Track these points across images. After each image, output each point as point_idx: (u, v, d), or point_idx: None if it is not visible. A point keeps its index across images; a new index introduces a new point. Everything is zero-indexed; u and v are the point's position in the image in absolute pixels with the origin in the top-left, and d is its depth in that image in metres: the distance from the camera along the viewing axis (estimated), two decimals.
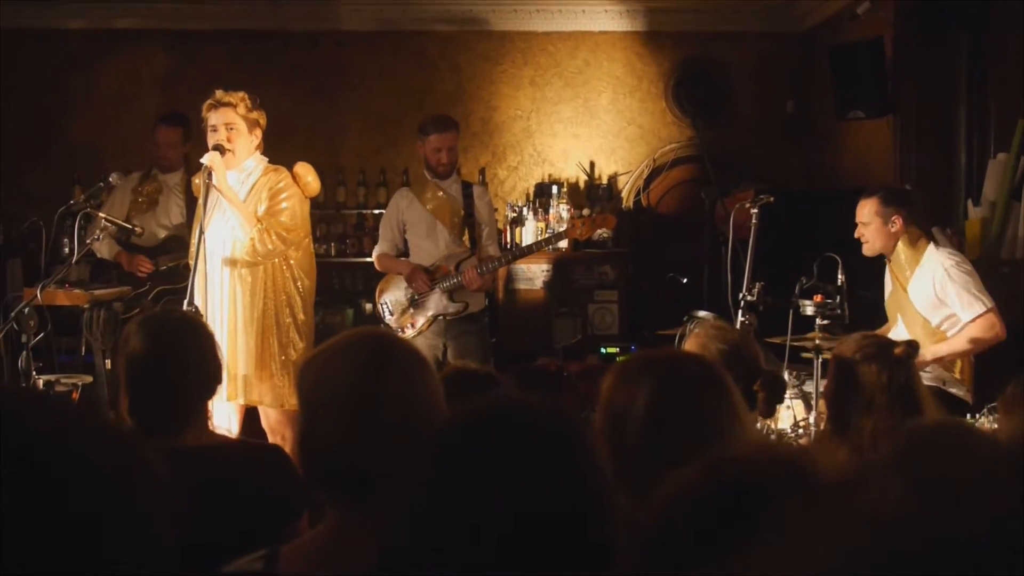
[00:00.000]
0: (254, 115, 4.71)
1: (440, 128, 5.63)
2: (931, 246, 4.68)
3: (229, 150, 4.68)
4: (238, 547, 1.76)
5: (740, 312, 4.63)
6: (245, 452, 2.60)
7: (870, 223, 4.67)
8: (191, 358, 2.61)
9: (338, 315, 7.87)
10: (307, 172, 4.81)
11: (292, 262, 4.76)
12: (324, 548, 1.74)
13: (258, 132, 4.73)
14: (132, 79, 8.15)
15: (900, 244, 4.67)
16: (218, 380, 2.69)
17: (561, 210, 7.73)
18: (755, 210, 4.84)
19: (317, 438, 1.76)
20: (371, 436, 1.72)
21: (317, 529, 1.79)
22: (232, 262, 4.71)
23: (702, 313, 5.06)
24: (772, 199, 4.88)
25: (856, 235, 4.72)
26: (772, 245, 5.16)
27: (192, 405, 2.56)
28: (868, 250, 4.72)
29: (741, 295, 4.67)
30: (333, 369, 1.77)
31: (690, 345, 3.45)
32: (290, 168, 4.87)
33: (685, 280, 6.37)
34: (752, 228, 4.81)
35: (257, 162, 4.77)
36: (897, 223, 4.63)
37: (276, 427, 4.70)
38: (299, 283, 4.78)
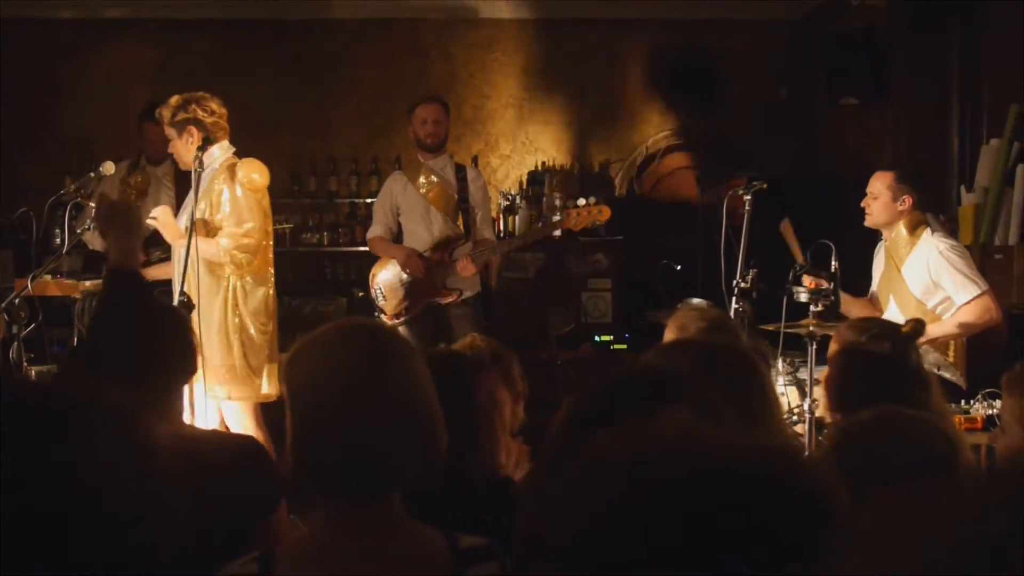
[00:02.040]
0: (181, 116, 4.63)
1: (425, 101, 5.70)
2: (927, 231, 4.69)
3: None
4: (215, 541, 1.71)
5: (734, 299, 4.63)
6: (219, 443, 2.56)
7: (880, 196, 4.70)
8: (154, 344, 2.55)
9: (331, 304, 7.85)
10: (250, 169, 4.68)
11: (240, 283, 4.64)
12: (320, 548, 1.70)
13: (193, 129, 4.62)
14: (123, 69, 8.10)
15: (901, 224, 4.69)
16: (192, 367, 2.63)
17: (554, 198, 7.71)
18: (748, 197, 4.83)
19: (312, 436, 1.70)
20: (369, 433, 1.67)
21: (311, 528, 1.74)
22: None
23: (696, 300, 5.05)
24: (765, 186, 4.87)
25: (863, 204, 4.75)
26: (766, 232, 5.15)
27: (162, 393, 2.49)
28: (870, 221, 4.75)
29: (735, 282, 4.66)
30: (327, 363, 1.72)
31: (671, 327, 3.43)
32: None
33: (679, 268, 6.35)
34: (745, 215, 4.80)
35: (220, 155, 4.67)
36: (906, 203, 4.67)
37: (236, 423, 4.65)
38: (247, 303, 4.67)
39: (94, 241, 5.80)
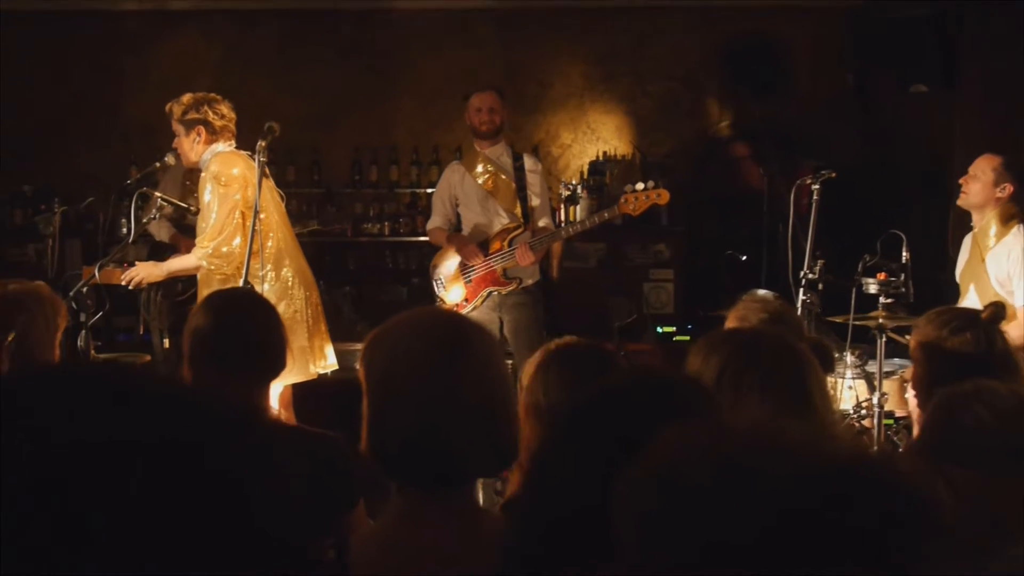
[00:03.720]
0: (192, 115, 4.66)
1: (480, 88, 5.69)
2: (1019, 226, 4.55)
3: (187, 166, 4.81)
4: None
5: (801, 291, 4.54)
6: (303, 439, 2.56)
7: (981, 177, 4.57)
8: (254, 337, 2.60)
9: (392, 293, 7.87)
10: (220, 167, 4.65)
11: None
12: (393, 536, 1.70)
13: (201, 128, 4.66)
14: (186, 60, 8.17)
15: (994, 212, 4.55)
16: (282, 362, 2.67)
17: (615, 187, 7.66)
18: (816, 186, 4.74)
19: (389, 423, 1.70)
20: (447, 421, 1.66)
21: (387, 515, 1.74)
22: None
23: (761, 292, 4.97)
24: (835, 174, 4.77)
25: (960, 181, 4.62)
26: (832, 222, 5.06)
27: (253, 385, 2.54)
28: (963, 201, 4.63)
29: (802, 273, 4.58)
30: (406, 351, 1.71)
31: (731, 318, 3.38)
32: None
33: (745, 258, 6.26)
34: (813, 205, 4.71)
35: (209, 156, 4.69)
36: (1006, 191, 4.54)
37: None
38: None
39: (159, 231, 5.86)
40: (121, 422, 0.69)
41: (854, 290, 4.37)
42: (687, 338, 6.79)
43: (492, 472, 1.70)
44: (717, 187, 8.20)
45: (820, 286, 4.67)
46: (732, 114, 8.23)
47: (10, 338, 2.50)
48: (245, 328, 2.63)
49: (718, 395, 2.06)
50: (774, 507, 0.79)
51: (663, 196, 5.58)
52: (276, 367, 2.66)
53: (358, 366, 1.79)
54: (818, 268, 4.55)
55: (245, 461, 0.71)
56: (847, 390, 4.65)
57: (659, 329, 7.01)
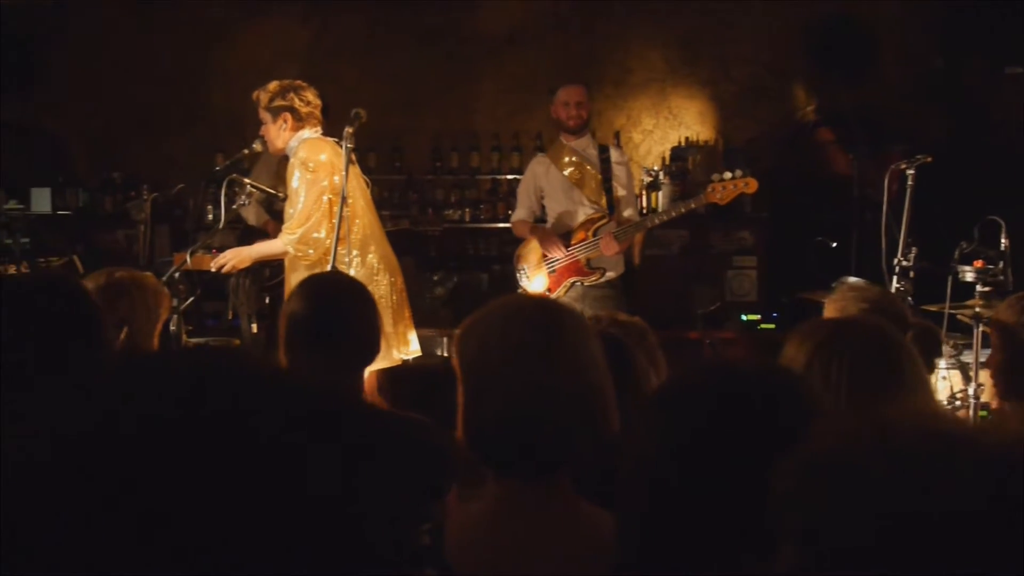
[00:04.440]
0: (279, 102, 4.69)
1: (567, 83, 5.66)
2: None
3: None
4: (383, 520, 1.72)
5: (895, 279, 4.44)
6: (398, 423, 2.57)
7: None
8: (351, 322, 2.60)
9: (473, 280, 7.88)
10: (308, 153, 4.66)
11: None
12: (489, 523, 1.70)
13: (288, 115, 4.68)
14: (272, 47, 8.26)
15: None
16: (376, 347, 2.68)
17: (698, 174, 7.57)
18: (911, 171, 4.62)
19: (485, 410, 1.70)
20: (542, 407, 1.66)
21: (483, 503, 1.74)
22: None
23: (852, 279, 4.87)
24: (930, 159, 4.64)
25: None
26: (925, 208, 4.93)
27: (348, 370, 2.55)
28: None
29: (896, 260, 4.47)
30: (500, 338, 1.71)
31: (830, 307, 3.31)
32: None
33: (835, 244, 6.14)
34: (908, 190, 4.60)
35: (296, 142, 4.71)
36: None
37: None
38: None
39: (250, 216, 5.92)
40: (219, 409, 0.67)
41: (950, 278, 4.25)
42: (772, 326, 6.69)
43: (589, 458, 1.68)
44: (802, 173, 8.06)
45: (912, 274, 4.55)
46: (818, 98, 8.08)
47: (124, 332, 2.55)
48: (341, 313, 2.64)
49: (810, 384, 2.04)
50: (951, 498, 0.76)
51: (751, 185, 5.50)
52: (371, 352, 2.67)
53: (452, 353, 1.78)
54: (912, 255, 4.44)
55: (346, 447, 0.70)
56: (941, 380, 4.54)
57: (743, 317, 6.91)
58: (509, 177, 8.02)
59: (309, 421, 0.71)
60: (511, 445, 1.67)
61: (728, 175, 5.52)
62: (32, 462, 0.63)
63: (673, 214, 5.75)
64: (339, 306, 2.62)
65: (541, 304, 1.82)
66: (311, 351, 2.51)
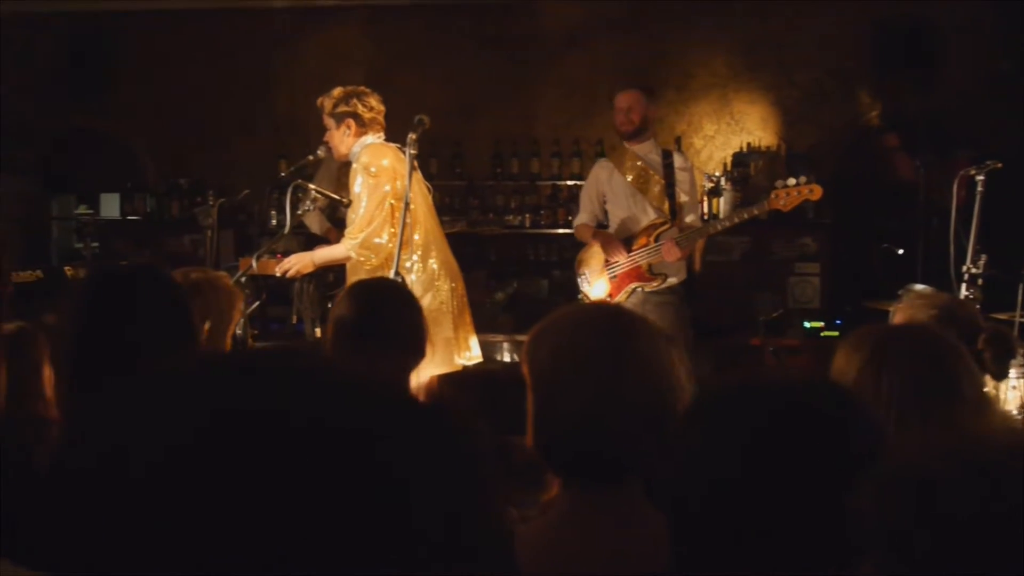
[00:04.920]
0: (342, 108, 4.72)
1: (622, 88, 5.62)
2: None
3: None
4: None
5: (963, 286, 4.37)
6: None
7: None
8: (395, 325, 2.63)
9: (533, 286, 7.89)
10: (370, 158, 4.69)
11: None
12: (558, 530, 1.70)
13: (351, 121, 4.72)
14: (334, 54, 8.35)
15: None
16: (421, 352, 2.70)
17: (761, 179, 7.50)
18: (981, 177, 4.54)
19: (555, 416, 1.70)
20: (613, 414, 1.66)
21: (552, 510, 1.74)
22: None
23: (919, 287, 4.80)
24: (1000, 165, 4.56)
25: None
26: (993, 215, 4.84)
27: (394, 371, 2.57)
28: None
29: (964, 268, 4.40)
30: (571, 344, 1.71)
31: (898, 317, 3.26)
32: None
33: (901, 251, 6.05)
34: (977, 196, 4.52)
35: (359, 148, 4.75)
36: None
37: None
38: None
39: (313, 223, 5.99)
40: (290, 407, 0.67)
41: (1021, 286, 4.18)
42: (835, 333, 6.61)
43: (659, 465, 1.68)
44: (866, 179, 7.96)
45: (980, 281, 4.47)
46: (882, 103, 7.97)
47: (206, 327, 2.59)
48: (385, 317, 2.69)
49: (860, 395, 2.02)
50: None
51: (815, 192, 5.44)
52: (416, 356, 2.70)
53: (521, 360, 1.78)
54: (982, 263, 4.36)
55: (416, 452, 0.70)
56: (1011, 390, 4.45)
57: (806, 324, 6.84)
58: (569, 183, 8.02)
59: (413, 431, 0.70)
60: (582, 452, 1.67)
61: (792, 181, 5.47)
62: (136, 463, 0.64)
63: (736, 220, 5.71)
64: (384, 309, 2.66)
65: (612, 312, 1.82)
66: (357, 353, 2.54)
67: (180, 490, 0.62)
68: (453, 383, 4.80)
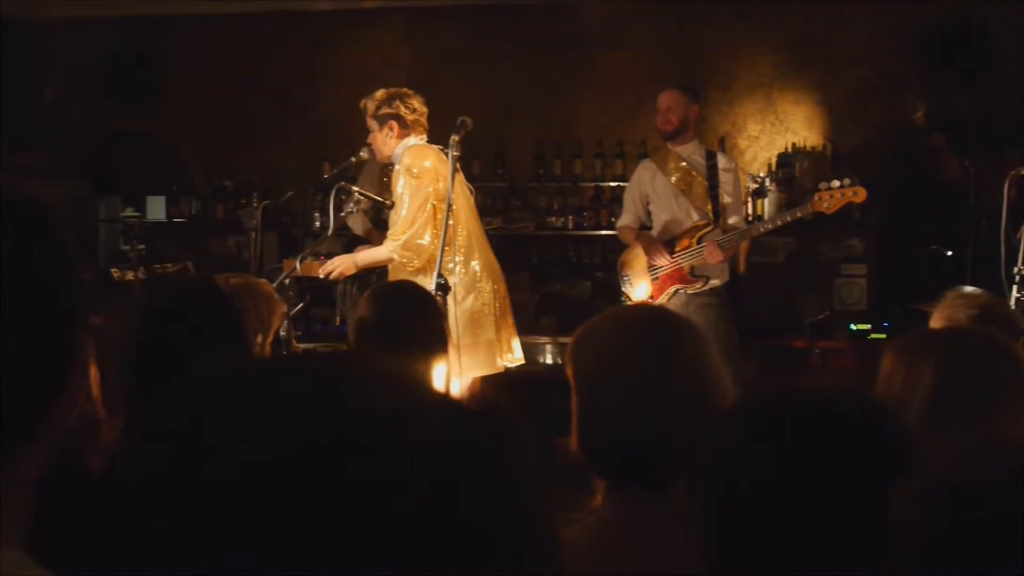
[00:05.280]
0: (385, 110, 4.74)
1: (663, 88, 5.64)
2: None
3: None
4: None
5: (1015, 288, 4.29)
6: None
7: None
8: (415, 325, 2.67)
9: (576, 287, 7.87)
10: (413, 159, 4.69)
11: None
12: (606, 534, 1.69)
13: (394, 123, 4.73)
14: (377, 56, 8.38)
15: None
16: (442, 350, 2.73)
17: (805, 181, 7.43)
18: None
19: (599, 421, 1.70)
20: (657, 417, 1.65)
21: (597, 514, 1.73)
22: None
23: (968, 289, 4.71)
24: None
25: None
26: None
27: (427, 372, 2.59)
28: None
29: (1016, 269, 4.33)
30: (615, 347, 1.71)
31: (937, 316, 3.21)
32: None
33: (950, 253, 5.96)
34: None
35: (401, 149, 4.76)
36: None
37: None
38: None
39: (355, 225, 6.01)
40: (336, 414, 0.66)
41: None
42: (883, 336, 6.53)
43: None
44: (913, 179, 7.85)
45: None
46: (930, 103, 7.86)
47: (259, 337, 2.62)
48: (405, 317, 2.74)
49: (912, 403, 1.99)
50: None
51: (860, 194, 5.39)
52: (435, 356, 2.72)
53: (565, 363, 1.78)
54: None
55: (468, 457, 0.68)
56: None
57: (852, 326, 6.76)
58: (612, 184, 7.99)
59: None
60: (626, 455, 1.67)
61: (836, 183, 5.42)
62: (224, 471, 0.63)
63: (779, 222, 5.67)
64: (403, 311, 2.70)
65: (656, 314, 1.82)
66: (400, 351, 2.57)
67: (253, 496, 0.61)
68: (495, 385, 4.80)
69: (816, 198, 5.41)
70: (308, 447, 0.63)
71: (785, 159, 7.80)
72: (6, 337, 0.93)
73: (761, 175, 7.68)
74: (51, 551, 0.97)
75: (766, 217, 7.10)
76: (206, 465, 0.63)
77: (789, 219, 5.58)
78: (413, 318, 2.73)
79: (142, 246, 7.27)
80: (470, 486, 0.66)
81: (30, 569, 0.93)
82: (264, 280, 3.12)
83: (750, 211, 7.41)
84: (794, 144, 7.94)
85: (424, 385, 0.74)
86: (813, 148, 7.92)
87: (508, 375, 4.86)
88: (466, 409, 0.71)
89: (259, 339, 2.72)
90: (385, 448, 0.64)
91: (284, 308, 3.07)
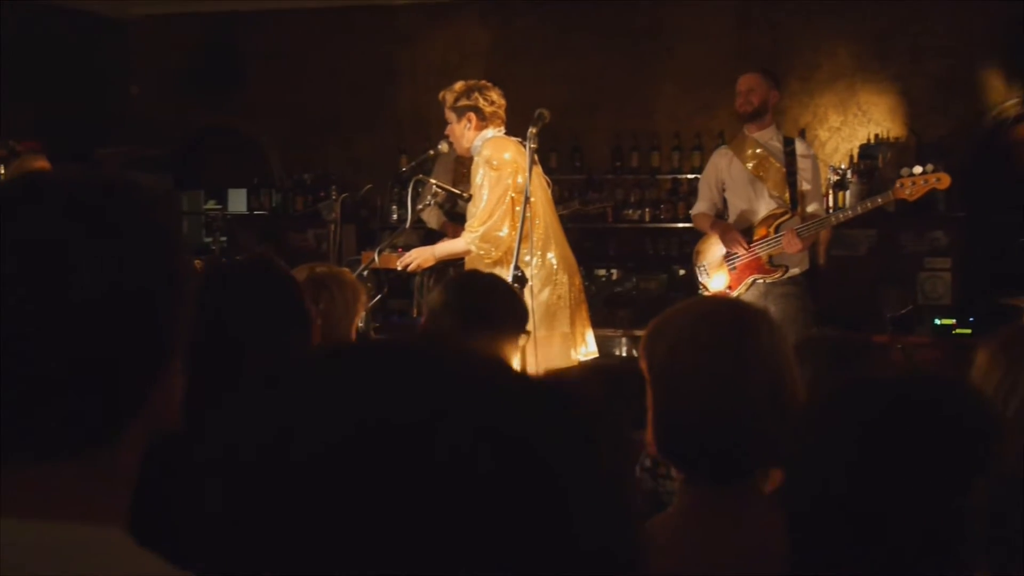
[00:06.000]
0: (464, 102, 4.72)
1: (744, 71, 5.61)
2: None
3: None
4: None
5: None
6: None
7: None
8: (489, 314, 2.68)
9: (653, 281, 7.82)
10: (492, 151, 4.67)
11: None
12: (683, 527, 1.68)
13: (472, 115, 4.72)
14: (456, 49, 8.42)
15: None
16: (514, 340, 2.75)
17: (888, 171, 7.29)
18: None
19: (675, 414, 1.69)
20: (734, 412, 1.64)
21: (673, 507, 1.73)
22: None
23: None
24: None
25: None
26: None
27: None
28: None
29: None
30: (690, 341, 1.69)
31: None
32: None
33: None
34: None
35: (480, 142, 4.75)
36: None
37: None
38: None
39: (430, 218, 6.05)
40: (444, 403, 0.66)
41: None
42: (968, 331, 6.38)
43: (780, 460, 1.66)
44: (1001, 171, 7.66)
45: None
46: (1020, 92, 7.65)
47: (318, 325, 2.65)
48: (479, 306, 2.75)
49: (1010, 405, 1.95)
50: None
51: (943, 180, 5.27)
52: (510, 342, 2.74)
53: (640, 355, 1.77)
54: None
55: (567, 450, 0.68)
56: None
57: (936, 321, 6.62)
58: (690, 176, 7.91)
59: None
60: (703, 448, 1.66)
61: (918, 169, 5.31)
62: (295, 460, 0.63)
63: (859, 211, 5.57)
64: (478, 300, 2.72)
65: (732, 306, 1.81)
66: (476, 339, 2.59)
67: (345, 485, 0.61)
68: (570, 378, 4.79)
69: (898, 185, 5.31)
70: (405, 425, 0.63)
71: (867, 150, 7.66)
72: (101, 322, 0.96)
73: (842, 166, 7.55)
74: (152, 531, 1.00)
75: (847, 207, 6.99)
76: (291, 448, 0.64)
77: (870, 206, 5.47)
78: (487, 304, 2.75)
79: (224, 238, 7.41)
80: (564, 473, 0.65)
81: (133, 549, 0.95)
82: (347, 269, 3.17)
83: (831, 203, 7.28)
84: (876, 135, 7.80)
85: (510, 366, 0.74)
86: (896, 139, 7.76)
87: (582, 368, 4.85)
88: (560, 391, 0.70)
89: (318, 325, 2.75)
90: (477, 429, 0.64)
91: (366, 294, 3.10)
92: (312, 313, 2.15)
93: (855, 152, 7.75)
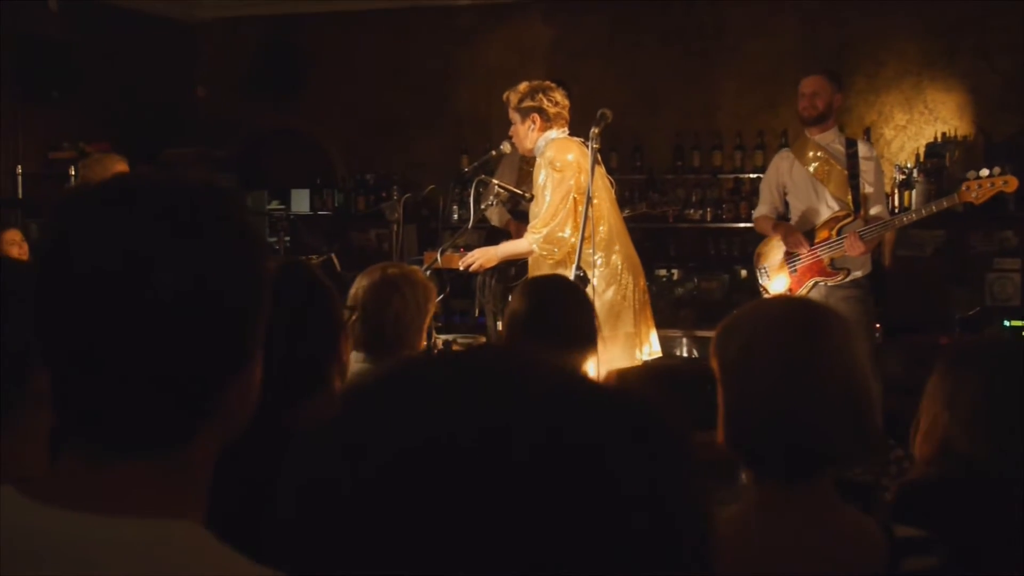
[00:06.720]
0: (528, 103, 4.72)
1: (807, 73, 5.54)
2: None
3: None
4: None
5: None
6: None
7: None
8: (566, 321, 2.70)
9: (714, 281, 7.77)
10: (555, 152, 4.66)
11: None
12: (752, 526, 1.68)
13: (536, 116, 4.71)
14: (517, 49, 8.43)
15: None
16: (592, 345, 2.75)
17: (955, 171, 7.17)
18: None
19: (746, 413, 1.69)
20: (806, 408, 1.64)
21: (742, 505, 1.73)
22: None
23: None
24: None
25: None
26: None
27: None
28: None
29: None
30: (762, 340, 1.70)
31: None
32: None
33: None
34: None
35: (543, 142, 4.75)
36: None
37: None
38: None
39: (493, 216, 6.07)
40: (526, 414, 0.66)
41: None
42: None
43: (853, 461, 1.66)
44: None
45: None
46: None
47: (353, 316, 2.65)
48: (557, 310, 2.78)
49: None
50: None
51: (1011, 183, 5.19)
52: (587, 350, 2.75)
53: (711, 355, 1.78)
54: None
55: (639, 454, 0.68)
56: None
57: (1006, 323, 6.51)
58: (752, 176, 7.85)
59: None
60: (774, 446, 1.67)
61: (985, 172, 5.23)
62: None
63: (924, 213, 5.49)
64: (557, 306, 2.75)
65: (804, 305, 1.81)
66: (552, 345, 2.60)
67: (415, 498, 0.62)
68: (634, 378, 4.79)
69: (964, 188, 5.23)
70: (486, 438, 0.64)
71: (934, 149, 7.54)
72: (187, 322, 0.98)
73: (908, 166, 7.44)
74: (230, 527, 1.02)
75: (913, 209, 6.89)
76: (362, 464, 0.64)
77: (935, 209, 5.40)
78: (567, 313, 2.77)
79: (288, 238, 7.49)
80: (644, 482, 0.66)
81: (215, 544, 0.97)
82: (418, 268, 3.20)
83: (896, 203, 7.19)
84: (943, 133, 7.67)
85: (588, 378, 0.74)
86: (964, 137, 7.63)
87: (646, 368, 4.84)
88: (636, 401, 0.71)
89: (353, 317, 2.74)
90: (561, 457, 0.64)
91: (436, 294, 3.12)
92: (342, 318, 2.13)
93: (921, 151, 7.64)
